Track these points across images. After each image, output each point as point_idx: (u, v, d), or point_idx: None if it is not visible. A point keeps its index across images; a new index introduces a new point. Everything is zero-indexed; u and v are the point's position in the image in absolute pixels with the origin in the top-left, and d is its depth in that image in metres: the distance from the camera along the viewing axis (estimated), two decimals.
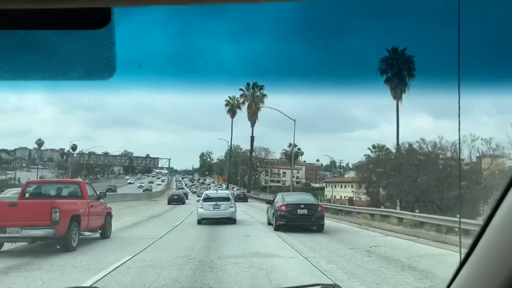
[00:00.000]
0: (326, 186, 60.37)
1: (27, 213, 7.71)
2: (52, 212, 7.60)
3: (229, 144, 61.55)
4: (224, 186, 50.48)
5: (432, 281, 5.85)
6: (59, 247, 8.01)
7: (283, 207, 12.98)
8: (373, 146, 47.93)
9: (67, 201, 8.58)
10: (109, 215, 10.48)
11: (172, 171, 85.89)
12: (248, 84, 55.70)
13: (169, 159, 68.36)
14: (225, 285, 5.50)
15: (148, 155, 67.47)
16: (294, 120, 30.37)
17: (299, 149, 66.50)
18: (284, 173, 78.83)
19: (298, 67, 61.43)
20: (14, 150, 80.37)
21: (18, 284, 5.55)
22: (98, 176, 79.29)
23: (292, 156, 44.98)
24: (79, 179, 50.49)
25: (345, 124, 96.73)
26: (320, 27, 58.65)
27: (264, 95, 54.94)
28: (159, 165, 66.27)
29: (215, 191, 17.93)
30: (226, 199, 15.47)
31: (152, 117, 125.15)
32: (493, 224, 0.88)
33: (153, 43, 52.48)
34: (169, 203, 30.16)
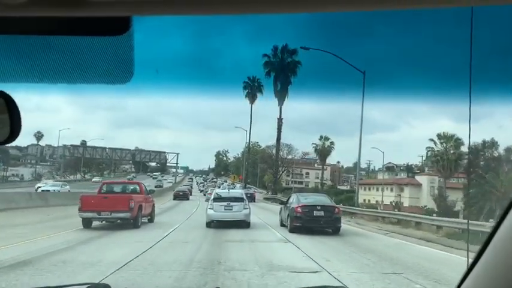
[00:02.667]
0: (359, 188, 63.15)
1: (114, 202, 13.71)
2: (129, 202, 13.63)
3: (247, 136, 58.90)
4: (238, 186, 48.67)
5: (440, 283, 6.67)
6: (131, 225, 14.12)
7: (298, 209, 14.15)
8: (439, 136, 43.33)
9: (136, 195, 14.70)
10: (153, 205, 16.82)
11: (188, 171, 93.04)
12: (275, 49, 48.82)
13: (178, 154, 68.71)
14: None
15: (164, 155, 69.58)
16: (363, 72, 27.52)
17: (332, 142, 62.41)
18: (307, 173, 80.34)
19: (317, 69, 64.73)
20: (26, 147, 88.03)
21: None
22: (103, 173, 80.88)
23: (361, 128, 29.67)
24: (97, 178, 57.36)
25: (365, 127, 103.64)
26: (340, 29, 62.05)
27: (297, 63, 47.58)
28: (167, 161, 69.66)
29: (226, 190, 18.26)
30: (240, 199, 15.63)
31: (170, 118, 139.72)
32: (502, 229, 1.01)
33: (171, 46, 58.47)
34: (174, 199, 37.40)
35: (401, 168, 67.31)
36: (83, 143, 69.44)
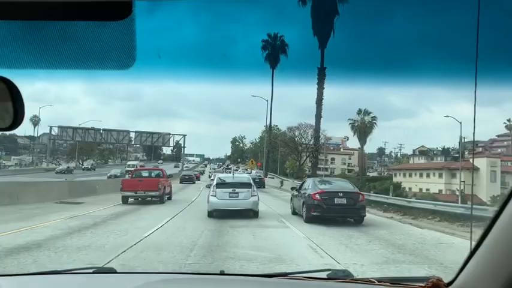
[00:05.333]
0: (394, 175, 60.83)
1: (147, 184, 20.46)
2: (158, 184, 20.52)
3: (268, 107, 54.45)
4: (254, 172, 46.76)
5: (444, 266, 7.46)
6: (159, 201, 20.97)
7: (317, 196, 14.00)
8: None
9: (161, 179, 21.63)
10: (171, 187, 23.89)
11: (204, 159, 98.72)
12: None
13: (185, 136, 67.74)
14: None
15: (179, 143, 69.67)
16: None
17: (374, 118, 58.09)
18: (333, 159, 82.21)
19: (334, 55, 65.55)
20: (39, 137, 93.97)
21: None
22: (108, 160, 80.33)
23: None
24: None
25: (383, 113, 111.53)
26: (356, 13, 62.45)
27: None
28: (182, 147, 69.21)
29: (231, 175, 18.21)
30: (247, 185, 15.49)
31: (186, 107, 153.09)
32: (505, 215, 1.16)
33: (185, 33, 62.14)
34: (181, 182, 43.30)
35: (435, 152, 69.24)
36: (93, 128, 67.71)
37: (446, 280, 1.64)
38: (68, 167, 60.55)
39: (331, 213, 13.86)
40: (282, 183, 40.90)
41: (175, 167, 70.22)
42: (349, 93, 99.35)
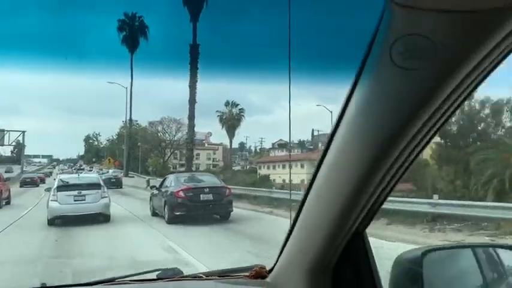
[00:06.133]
0: (259, 167, 61.18)
1: None
2: None
3: (128, 96, 47.89)
4: (111, 171, 44.22)
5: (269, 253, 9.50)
6: None
7: (181, 193, 13.25)
8: None
9: None
10: (9, 190, 22.19)
11: (52, 160, 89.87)
12: None
13: (24, 132, 56.23)
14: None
15: (20, 142, 64.16)
16: None
17: (241, 110, 58.19)
18: (198, 154, 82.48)
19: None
20: None
21: None
22: None
23: None
24: None
25: (244, 109, 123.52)
26: (214, 8, 64.23)
27: None
28: (6, 142, 62.40)
29: (76, 175, 16.67)
30: (95, 186, 14.13)
31: (28, 102, 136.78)
32: (309, 198, 1.30)
33: (23, 18, 55.33)
34: (21, 186, 38.89)
35: (292, 145, 74.87)
36: None
37: (269, 267, 1.69)
38: None
39: (196, 211, 13.21)
40: (148, 182, 39.14)
41: (6, 171, 59.67)
42: (209, 91, 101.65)
